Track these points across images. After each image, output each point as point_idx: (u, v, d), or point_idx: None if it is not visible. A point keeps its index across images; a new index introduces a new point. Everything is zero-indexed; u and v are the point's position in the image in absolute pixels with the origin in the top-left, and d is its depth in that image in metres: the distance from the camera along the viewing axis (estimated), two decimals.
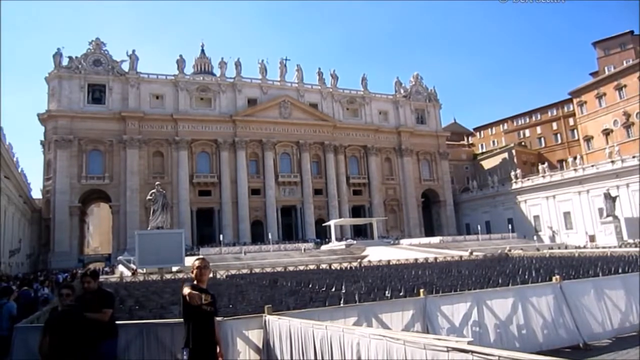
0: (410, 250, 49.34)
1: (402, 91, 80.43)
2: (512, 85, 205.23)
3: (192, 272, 5.19)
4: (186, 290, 4.89)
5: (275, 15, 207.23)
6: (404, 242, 61.37)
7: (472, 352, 3.22)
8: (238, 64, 67.74)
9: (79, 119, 60.71)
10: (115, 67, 64.02)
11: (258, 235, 64.36)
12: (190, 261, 40.52)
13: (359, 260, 39.04)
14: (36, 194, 64.69)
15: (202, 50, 73.35)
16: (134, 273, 35.58)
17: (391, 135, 77.18)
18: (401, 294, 12.55)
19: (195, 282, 5.09)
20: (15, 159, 51.44)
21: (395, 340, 4.21)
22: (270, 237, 59.45)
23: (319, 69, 73.27)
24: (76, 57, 62.81)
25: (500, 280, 14.45)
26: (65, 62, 62.34)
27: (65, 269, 46.77)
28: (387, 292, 13.37)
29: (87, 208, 67.70)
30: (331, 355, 5.20)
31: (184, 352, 4.83)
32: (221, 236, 57.63)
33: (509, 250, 38.35)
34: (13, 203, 51.81)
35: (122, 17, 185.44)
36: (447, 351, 3.48)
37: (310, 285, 16.96)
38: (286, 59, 71.10)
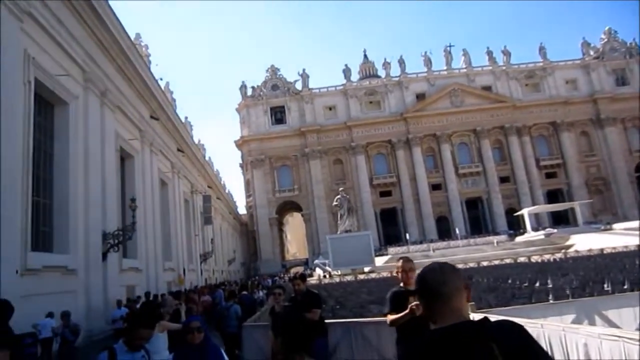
0: (627, 235, 46.04)
1: (591, 52, 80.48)
2: None
3: (397, 273, 4.98)
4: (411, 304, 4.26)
5: (434, 4, 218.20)
6: (618, 226, 58.32)
7: None
8: (401, 62, 78.71)
9: (267, 140, 78.72)
10: (290, 87, 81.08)
11: (444, 231, 72.77)
12: (380, 261, 50.89)
13: (563, 250, 40.20)
14: (241, 210, 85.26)
15: (365, 55, 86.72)
16: (330, 275, 43.15)
17: (584, 105, 78.05)
18: (625, 287, 12.47)
19: (401, 285, 4.93)
20: (222, 182, 70.32)
21: (634, 342, 4.08)
22: (457, 232, 66.79)
23: (488, 48, 79.61)
24: (257, 86, 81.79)
25: None
26: (249, 92, 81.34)
27: (272, 274, 61.43)
28: (606, 285, 13.19)
29: (283, 218, 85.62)
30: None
31: None
32: (407, 235, 67.82)
33: None
34: (226, 220, 70.87)
35: (290, 41, 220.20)
36: None
37: (509, 281, 17.37)
38: (450, 46, 79.75)
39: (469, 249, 56.84)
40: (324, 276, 42.77)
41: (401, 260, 5.01)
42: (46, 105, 17.03)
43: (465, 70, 79.66)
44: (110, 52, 21.57)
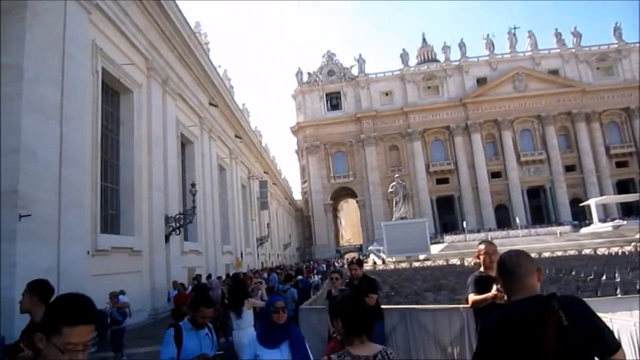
0: None
1: None
2: None
3: (479, 257, 4.83)
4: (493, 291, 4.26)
5: None
6: None
7: None
8: (462, 45, 75.98)
9: (322, 126, 78.74)
10: (346, 73, 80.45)
11: (503, 220, 70.34)
12: (436, 249, 49.82)
13: (632, 243, 38.63)
14: (297, 195, 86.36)
15: (424, 39, 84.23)
16: (383, 262, 42.64)
17: None
18: None
19: (482, 270, 4.80)
20: (278, 168, 71.25)
21: None
22: (517, 221, 64.28)
23: (556, 29, 74.97)
24: (313, 72, 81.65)
25: None
26: (305, 78, 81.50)
27: (326, 259, 61.69)
28: None
29: (338, 204, 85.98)
30: None
31: None
32: (464, 223, 65.87)
33: None
34: (281, 205, 71.92)
35: (347, 26, 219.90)
36: None
37: (573, 273, 17.12)
38: (514, 28, 75.83)
39: (529, 239, 55.00)
40: (379, 263, 42.67)
41: (484, 244, 4.93)
42: (112, 94, 17.79)
43: (530, 53, 75.59)
44: (172, 41, 22.18)
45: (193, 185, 21.48)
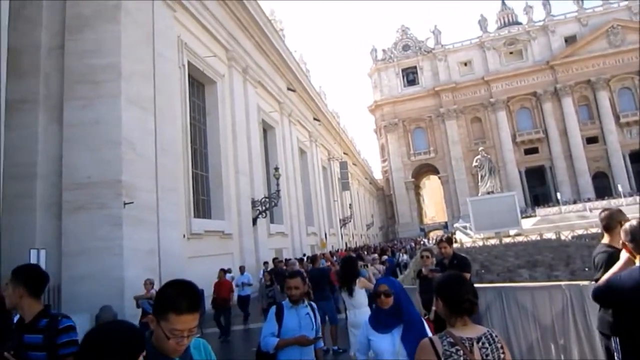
0: None
1: None
2: None
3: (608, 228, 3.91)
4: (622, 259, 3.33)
5: None
6: None
7: None
8: (546, 4, 70.51)
9: (400, 103, 77.12)
10: (422, 46, 77.94)
11: (602, 188, 64.99)
12: (527, 224, 46.73)
13: None
14: (377, 174, 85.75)
15: (503, 2, 78.55)
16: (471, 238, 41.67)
17: None
18: None
19: (607, 241, 3.95)
20: (357, 149, 70.79)
21: None
22: (620, 189, 59.17)
23: None
24: (388, 48, 79.99)
25: None
26: (379, 55, 79.92)
27: (411, 238, 60.87)
28: None
29: (420, 182, 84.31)
30: None
31: (614, 341, 3.43)
32: (558, 194, 61.59)
33: None
34: (362, 185, 71.58)
35: None
36: None
37: None
38: None
39: (635, 207, 50.22)
40: (466, 240, 41.62)
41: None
42: (198, 86, 18.62)
43: (626, 2, 67.91)
44: (249, 30, 22.70)
45: (276, 169, 22.03)
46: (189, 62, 16.48)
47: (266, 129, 27.03)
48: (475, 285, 6.97)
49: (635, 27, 66.26)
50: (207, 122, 18.76)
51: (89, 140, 10.76)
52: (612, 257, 3.92)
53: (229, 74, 20.34)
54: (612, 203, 55.74)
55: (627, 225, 2.76)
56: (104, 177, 10.65)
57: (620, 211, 4.25)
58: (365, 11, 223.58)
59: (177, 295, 1.84)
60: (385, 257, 15.96)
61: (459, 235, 48.92)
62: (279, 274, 11.53)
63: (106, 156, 10.71)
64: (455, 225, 61.44)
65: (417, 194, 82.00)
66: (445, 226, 74.17)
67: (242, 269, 14.12)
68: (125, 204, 10.63)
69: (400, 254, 27.22)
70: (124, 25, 11.64)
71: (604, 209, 4.34)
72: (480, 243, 32.79)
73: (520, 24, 75.41)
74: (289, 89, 30.36)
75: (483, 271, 14.31)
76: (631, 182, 64.86)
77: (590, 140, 67.76)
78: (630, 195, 58.15)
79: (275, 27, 27.33)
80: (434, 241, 37.18)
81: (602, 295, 2.84)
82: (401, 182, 76.24)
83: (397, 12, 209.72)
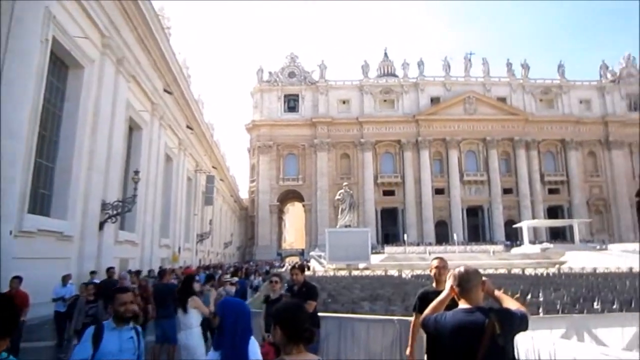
0: (622, 257, 46.90)
1: (608, 76, 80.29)
2: None
3: (431, 271, 4.92)
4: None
5: (459, 11, 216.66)
6: (614, 247, 57.87)
7: None
8: (420, 64, 77.98)
9: (277, 127, 78.19)
10: (307, 77, 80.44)
11: (442, 235, 72.47)
12: (376, 259, 50.56)
13: (557, 265, 40.18)
14: (243, 194, 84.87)
15: (385, 54, 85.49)
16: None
17: (595, 126, 78.26)
18: (615, 307, 12.53)
19: (434, 284, 4.90)
20: (227, 165, 69.99)
21: None
22: (455, 237, 66.14)
23: (507, 60, 78.64)
24: (275, 72, 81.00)
25: None
26: (265, 76, 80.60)
27: (267, 261, 61.00)
28: (596, 303, 13.26)
29: (284, 207, 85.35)
30: None
31: None
32: (405, 236, 67.17)
33: None
34: (227, 202, 70.67)
35: (312, 31, 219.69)
36: None
37: (501, 290, 20.36)
38: (470, 54, 78.96)
39: (464, 255, 56.42)
40: (319, 269, 42.58)
41: (436, 260, 5.11)
42: (61, 66, 16.60)
43: (482, 79, 78.85)
44: (133, 21, 21.13)
45: (136, 172, 20.38)
46: (54, 38, 14.64)
47: (133, 128, 25.09)
48: (320, 314, 7.34)
49: (486, 101, 76.94)
50: (64, 107, 16.73)
51: None
52: (421, 296, 4.91)
53: (100, 61, 18.53)
54: (448, 249, 62.19)
55: (455, 271, 3.16)
56: None
57: (441, 259, 5.03)
58: (257, 29, 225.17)
59: None
60: (235, 279, 15.56)
61: (313, 264, 49.67)
62: (107, 286, 9.68)
63: None
64: (312, 253, 62.39)
65: (280, 219, 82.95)
66: (302, 253, 75.30)
67: (65, 279, 11.21)
68: None
69: (255, 277, 26.98)
70: None
71: (435, 257, 5.17)
72: (332, 273, 33.64)
73: (397, 76, 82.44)
74: (165, 90, 28.77)
75: (330, 300, 14.71)
76: (465, 232, 73.39)
77: (438, 191, 75.63)
78: (462, 244, 65.69)
79: (162, 24, 25.90)
80: (289, 266, 37.56)
81: (429, 328, 3.16)
82: (266, 204, 76.37)
83: (288, 37, 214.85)
